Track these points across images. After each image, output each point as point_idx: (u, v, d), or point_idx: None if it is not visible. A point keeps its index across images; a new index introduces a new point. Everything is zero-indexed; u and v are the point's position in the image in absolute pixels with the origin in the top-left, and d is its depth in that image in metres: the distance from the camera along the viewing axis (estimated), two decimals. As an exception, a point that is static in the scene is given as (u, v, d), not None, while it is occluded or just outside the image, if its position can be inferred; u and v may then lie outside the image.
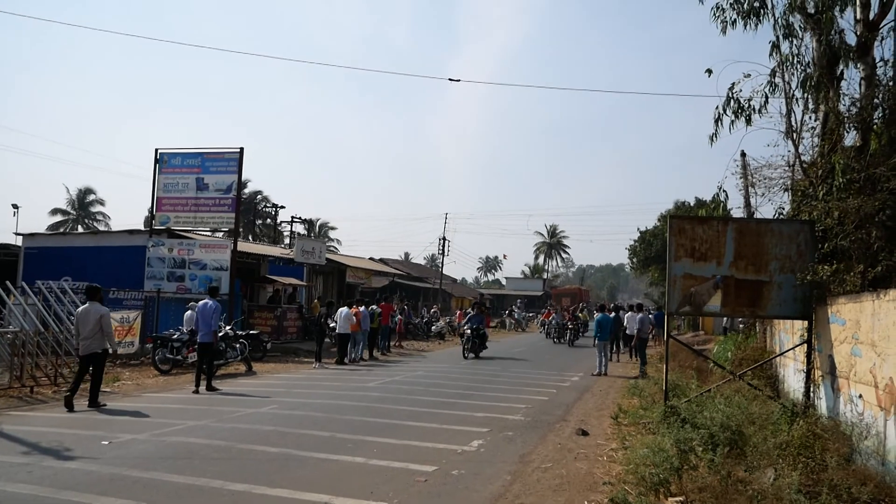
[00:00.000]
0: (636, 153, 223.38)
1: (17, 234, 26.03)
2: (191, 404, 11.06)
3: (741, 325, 19.76)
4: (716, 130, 10.43)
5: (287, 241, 45.80)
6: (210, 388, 12.59)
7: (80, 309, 11.04)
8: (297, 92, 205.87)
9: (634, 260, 43.39)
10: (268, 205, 57.76)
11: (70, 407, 10.30)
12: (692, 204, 37.92)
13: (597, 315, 18.92)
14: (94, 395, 10.64)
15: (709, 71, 10.55)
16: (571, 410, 11.43)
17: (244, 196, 49.53)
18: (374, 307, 21.76)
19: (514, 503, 6.08)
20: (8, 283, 13.89)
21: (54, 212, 61.22)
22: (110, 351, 11.34)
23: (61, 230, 53.10)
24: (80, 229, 56.37)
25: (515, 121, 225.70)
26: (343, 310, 18.84)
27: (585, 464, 7.58)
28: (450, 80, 18.28)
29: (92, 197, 63.05)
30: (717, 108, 10.33)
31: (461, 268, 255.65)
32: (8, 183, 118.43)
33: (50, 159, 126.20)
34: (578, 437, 9.10)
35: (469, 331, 21.54)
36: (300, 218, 49.00)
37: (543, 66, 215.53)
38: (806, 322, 8.90)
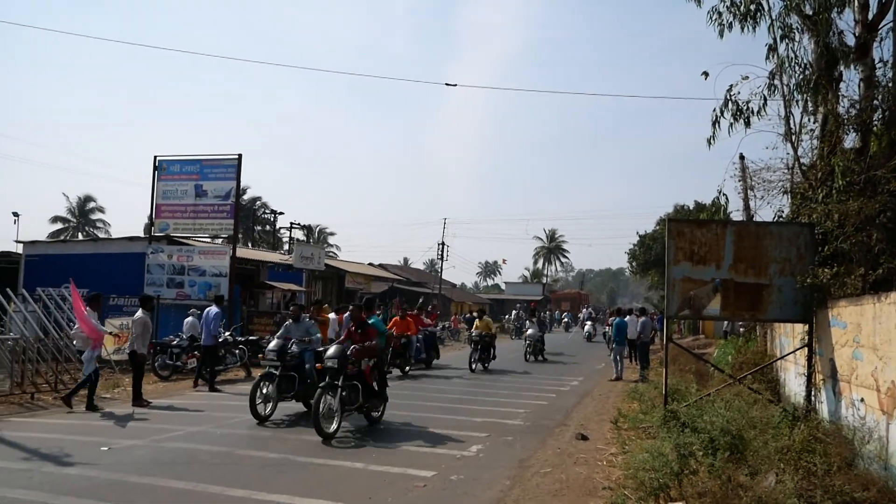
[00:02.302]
0: (635, 158, 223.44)
1: (17, 241, 26.12)
2: (191, 410, 11.04)
3: (741, 329, 19.72)
4: (714, 133, 10.40)
5: (286, 246, 45.75)
6: (213, 389, 13.61)
7: None
8: (296, 100, 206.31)
9: (634, 264, 43.33)
10: (266, 211, 57.70)
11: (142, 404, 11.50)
12: (691, 207, 37.85)
13: (614, 319, 19.06)
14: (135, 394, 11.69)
15: (705, 73, 10.52)
16: (571, 415, 11.40)
17: (243, 202, 49.54)
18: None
19: (514, 508, 6.05)
20: (8, 290, 13.86)
21: (55, 219, 61.24)
22: (139, 352, 11.94)
23: (62, 238, 53.03)
24: (81, 237, 56.34)
25: (515, 127, 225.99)
26: (331, 315, 18.84)
27: (585, 468, 7.55)
28: (447, 84, 18.55)
29: (92, 204, 63.07)
30: (714, 110, 10.30)
31: (460, 273, 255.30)
32: (9, 191, 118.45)
33: (50, 167, 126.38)
34: (578, 441, 9.06)
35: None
36: (299, 224, 48.93)
37: (542, 73, 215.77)
38: (806, 325, 8.87)
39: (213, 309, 14.04)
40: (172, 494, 6.20)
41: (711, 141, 10.40)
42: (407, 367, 17.03)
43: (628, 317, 18.93)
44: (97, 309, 11.92)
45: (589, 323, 36.53)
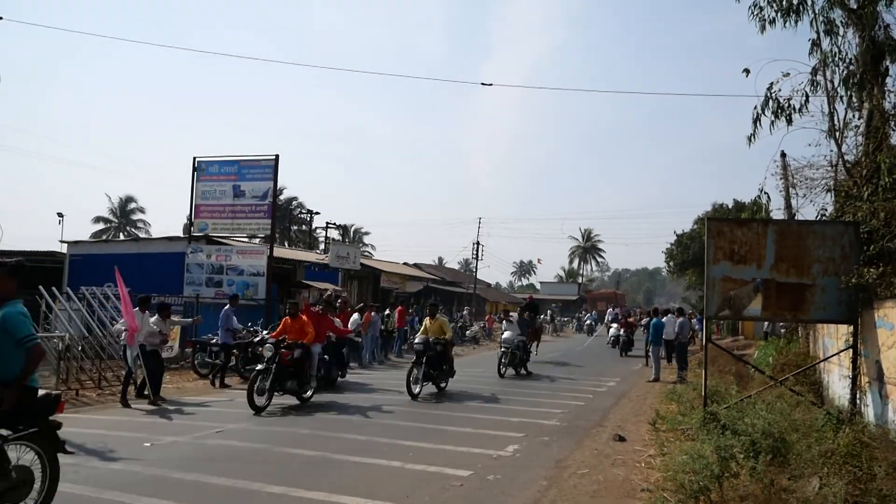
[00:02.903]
0: (672, 156, 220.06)
1: (62, 241, 26.75)
2: (230, 407, 11.22)
3: (783, 330, 19.34)
4: (754, 131, 10.21)
5: (322, 246, 46.19)
6: (223, 385, 13.84)
7: None
8: (331, 101, 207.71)
9: (671, 263, 42.80)
10: (303, 211, 58.35)
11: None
12: (730, 206, 37.28)
13: (648, 319, 18.89)
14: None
15: (746, 71, 10.33)
16: (608, 416, 11.31)
17: (280, 202, 50.10)
18: (387, 311, 22.01)
19: (551, 509, 6.01)
20: (54, 289, 14.28)
21: (97, 220, 62.69)
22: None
23: (104, 238, 54.30)
24: (122, 237, 57.62)
25: (549, 126, 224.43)
26: (354, 315, 18.96)
27: (623, 470, 7.48)
28: (482, 84, 18.26)
29: (133, 205, 64.41)
30: (755, 108, 10.12)
31: (495, 272, 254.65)
32: (53, 192, 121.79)
33: (93, 169, 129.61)
34: (615, 442, 8.99)
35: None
36: (335, 223, 49.31)
37: (577, 71, 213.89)
38: (851, 326, 8.66)
39: (227, 308, 14.49)
40: (213, 490, 6.31)
41: (752, 139, 10.22)
42: (308, 392, 11.79)
43: (666, 317, 18.70)
44: (145, 311, 11.98)
45: (615, 325, 30.87)
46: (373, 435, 8.93)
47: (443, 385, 13.56)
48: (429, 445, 8.39)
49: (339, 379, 14.52)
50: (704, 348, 10.12)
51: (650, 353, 18.33)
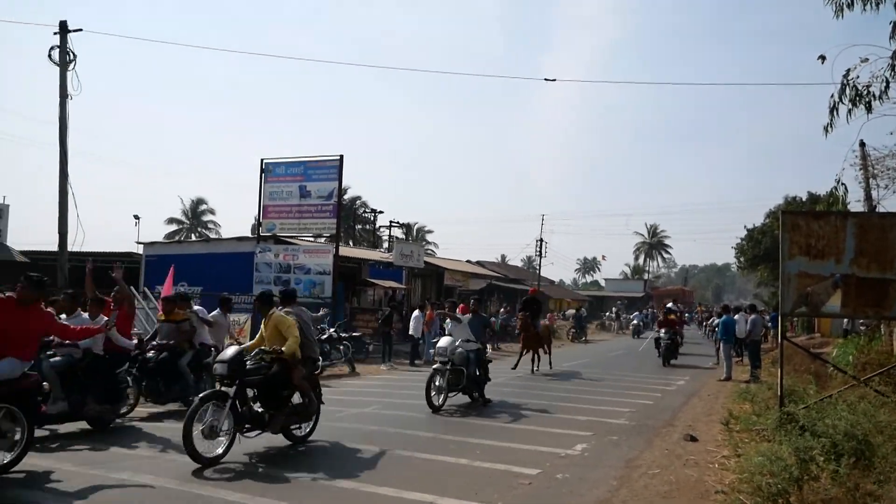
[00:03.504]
0: (740, 149, 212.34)
1: (138, 242, 27.99)
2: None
3: (863, 327, 18.53)
4: (831, 120, 9.75)
5: (386, 245, 46.76)
6: None
7: None
8: (393, 102, 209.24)
9: (741, 259, 41.61)
10: (367, 210, 59.13)
11: None
12: (804, 199, 35.92)
13: (717, 319, 18.43)
14: None
15: (822, 57, 9.87)
16: (678, 415, 11.06)
17: (344, 202, 50.83)
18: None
19: (622, 509, 5.91)
20: (132, 287, 14.92)
21: (170, 221, 65.04)
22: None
23: (177, 238, 56.35)
24: (194, 237, 59.64)
25: (613, 120, 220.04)
26: (416, 312, 19.08)
27: (695, 471, 7.30)
28: (545, 79, 18.04)
29: (203, 207, 66.54)
30: (831, 96, 9.69)
31: (559, 269, 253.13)
32: (130, 196, 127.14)
33: (166, 173, 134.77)
34: (687, 442, 8.78)
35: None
36: (398, 222, 49.81)
37: (641, 63, 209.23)
38: (940, 323, 8.23)
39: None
40: (284, 484, 6.47)
41: (829, 129, 9.78)
42: (11, 454, 6.35)
43: (737, 314, 18.16)
44: (227, 311, 11.89)
45: (664, 330, 21.18)
46: (438, 432, 8.97)
47: (300, 433, 8.14)
48: (495, 443, 8.32)
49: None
50: (780, 346, 9.78)
51: (721, 352, 17.88)
